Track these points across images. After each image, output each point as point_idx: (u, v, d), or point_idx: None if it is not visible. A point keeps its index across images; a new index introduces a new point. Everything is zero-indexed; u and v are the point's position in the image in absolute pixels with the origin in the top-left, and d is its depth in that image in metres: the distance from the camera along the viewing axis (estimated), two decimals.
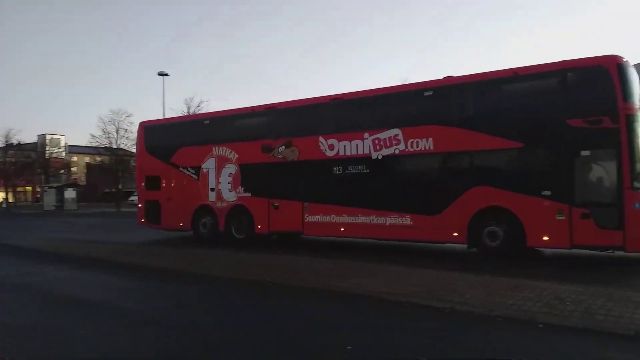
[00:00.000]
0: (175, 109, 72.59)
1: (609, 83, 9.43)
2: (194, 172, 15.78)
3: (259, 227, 14.27)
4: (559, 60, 10.09)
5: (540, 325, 5.54)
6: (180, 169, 16.07)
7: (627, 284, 7.57)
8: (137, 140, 17.68)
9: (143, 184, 17.12)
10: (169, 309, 7.20)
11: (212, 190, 15.35)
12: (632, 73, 9.72)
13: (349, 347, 4.99)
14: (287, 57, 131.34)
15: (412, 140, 11.59)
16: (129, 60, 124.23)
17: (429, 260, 10.49)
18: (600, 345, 5.00)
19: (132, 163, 47.58)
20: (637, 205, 9.18)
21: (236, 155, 14.78)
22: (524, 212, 10.19)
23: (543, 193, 9.99)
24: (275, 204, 13.94)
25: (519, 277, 7.98)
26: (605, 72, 9.53)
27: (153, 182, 16.83)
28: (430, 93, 11.53)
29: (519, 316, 5.85)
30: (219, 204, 15.16)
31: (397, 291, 7.19)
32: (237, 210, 14.77)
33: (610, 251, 9.65)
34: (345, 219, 12.66)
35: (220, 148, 15.15)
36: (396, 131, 11.84)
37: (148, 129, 17.30)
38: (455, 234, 11.03)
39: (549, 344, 5.05)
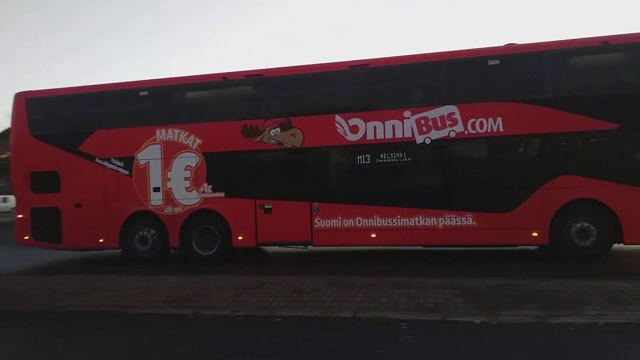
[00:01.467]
0: None
1: None
2: (122, 165, 11.03)
3: (240, 238, 10.41)
4: None
5: (278, 319, 5.84)
6: (98, 160, 11.12)
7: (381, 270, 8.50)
8: (14, 120, 11.85)
9: (26, 183, 11.52)
10: None
11: (157, 190, 10.86)
12: None
13: None
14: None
15: (474, 120, 9.34)
16: None
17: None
18: (323, 329, 5.45)
19: None
20: None
21: (198, 141, 10.62)
22: (622, 204, 8.74)
23: None
24: (267, 206, 10.27)
25: (263, 274, 8.36)
26: None
27: (46, 181, 11.44)
28: (497, 62, 9.40)
29: (260, 313, 6.09)
30: (169, 210, 10.75)
31: (142, 303, 6.82)
32: (202, 217, 10.63)
33: None
34: (378, 222, 9.77)
35: (169, 131, 10.78)
36: (452, 108, 9.45)
37: (34, 104, 11.72)
38: (535, 234, 9.10)
39: (282, 334, 5.37)
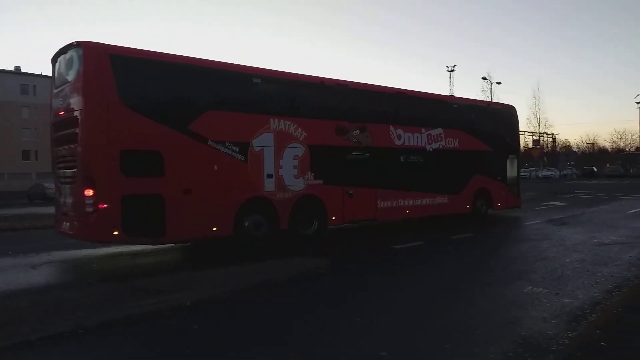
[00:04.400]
0: None
1: (514, 120, 17.99)
2: (237, 150, 10.71)
3: (334, 218, 12.45)
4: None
5: None
6: (211, 143, 10.31)
7: None
8: (89, 79, 8.84)
9: (115, 164, 9.07)
10: None
11: (270, 176, 11.26)
12: None
13: None
14: None
15: (450, 138, 15.37)
16: None
17: None
18: None
19: None
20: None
21: (304, 134, 11.83)
22: (494, 191, 16.86)
23: (498, 178, 17.12)
24: (350, 192, 12.79)
25: None
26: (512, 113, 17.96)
27: (143, 163, 9.52)
28: (457, 106, 15.79)
29: None
30: (280, 195, 11.39)
31: None
32: (306, 202, 11.90)
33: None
34: (409, 202, 14.25)
35: (282, 122, 11.43)
36: (440, 130, 15.13)
37: (124, 64, 9.25)
38: (468, 207, 16.03)
39: None
